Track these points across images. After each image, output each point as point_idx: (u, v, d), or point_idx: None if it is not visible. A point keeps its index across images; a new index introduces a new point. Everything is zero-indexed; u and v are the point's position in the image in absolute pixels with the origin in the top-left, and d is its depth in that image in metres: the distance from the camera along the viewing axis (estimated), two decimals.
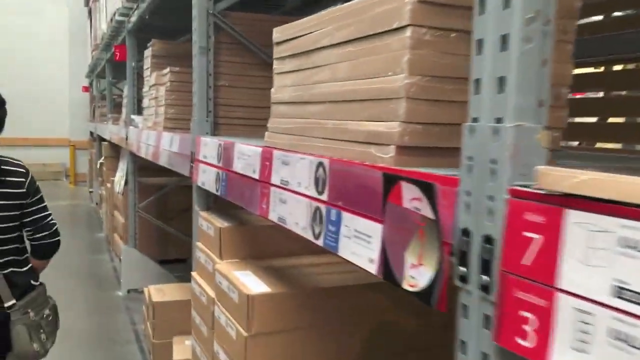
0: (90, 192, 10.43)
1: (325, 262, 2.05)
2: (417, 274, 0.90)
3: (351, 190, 1.13)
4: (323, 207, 1.26)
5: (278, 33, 1.57)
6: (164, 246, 5.30)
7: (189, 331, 3.15)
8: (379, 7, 1.09)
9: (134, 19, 4.40)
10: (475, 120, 0.81)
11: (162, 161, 3.14)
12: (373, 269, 1.04)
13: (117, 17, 4.93)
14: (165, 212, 5.22)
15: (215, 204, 2.52)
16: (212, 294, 2.07)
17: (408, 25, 1.00)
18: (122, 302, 4.76)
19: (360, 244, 1.09)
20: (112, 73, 7.09)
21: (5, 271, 2.18)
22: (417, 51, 1.00)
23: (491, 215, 0.76)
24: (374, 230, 1.04)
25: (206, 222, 2.29)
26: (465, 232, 0.81)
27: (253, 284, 1.80)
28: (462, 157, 0.83)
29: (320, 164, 1.27)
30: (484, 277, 0.77)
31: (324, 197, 1.25)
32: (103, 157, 7.52)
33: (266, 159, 1.60)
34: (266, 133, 1.66)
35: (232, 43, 2.53)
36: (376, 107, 1.09)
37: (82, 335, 4.06)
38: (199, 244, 2.36)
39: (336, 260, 2.20)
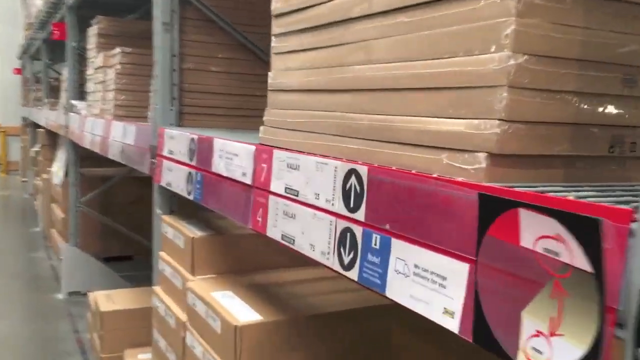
0: (24, 181, 9.74)
1: (319, 277, 1.75)
2: (548, 348, 0.61)
3: (408, 211, 0.83)
4: (357, 228, 0.95)
5: (280, 2, 1.24)
6: (107, 242, 4.85)
7: (143, 342, 2.80)
8: None
9: None
10: None
11: (112, 154, 2.75)
12: (454, 325, 0.74)
13: None
14: (110, 205, 4.78)
15: (179, 206, 2.17)
16: (182, 317, 1.74)
17: None
18: (63, 306, 4.32)
19: (427, 286, 0.79)
20: (48, 54, 6.52)
21: None
22: (525, 20, 0.71)
23: None
24: (455, 270, 0.75)
25: (172, 230, 1.94)
26: None
27: (238, 309, 1.48)
28: None
29: (352, 172, 0.97)
30: None
31: (359, 216, 0.95)
32: (39, 145, 6.95)
33: (262, 161, 1.28)
34: (262, 128, 1.33)
35: (200, 20, 2.18)
36: (453, 98, 0.79)
37: (17, 345, 3.63)
38: (162, 254, 2.02)
39: (332, 273, 1.90)
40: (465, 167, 0.76)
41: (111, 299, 3.22)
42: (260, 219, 1.29)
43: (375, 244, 0.91)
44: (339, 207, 1.00)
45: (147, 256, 2.34)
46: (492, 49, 0.73)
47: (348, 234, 0.98)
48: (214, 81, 2.19)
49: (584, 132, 0.78)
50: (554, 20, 0.72)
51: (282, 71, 1.26)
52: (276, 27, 1.27)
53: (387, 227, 0.88)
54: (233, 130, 2.12)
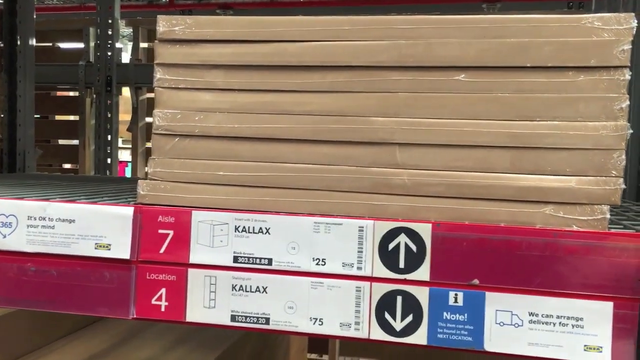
0: None
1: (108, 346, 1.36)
2: None
3: (512, 264, 0.87)
4: (419, 289, 0.90)
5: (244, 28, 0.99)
6: None
7: None
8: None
9: None
10: None
11: None
12: (603, 357, 0.84)
13: None
14: None
15: None
16: None
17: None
18: None
19: (555, 330, 0.86)
20: None
21: None
22: None
23: None
24: (593, 310, 0.84)
25: None
26: None
27: None
28: None
29: (399, 231, 0.91)
30: None
31: (418, 276, 0.90)
32: None
33: (159, 226, 0.98)
34: (142, 183, 1.01)
35: None
36: (553, 158, 0.88)
37: None
38: None
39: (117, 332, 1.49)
40: (584, 218, 0.87)
41: None
42: (164, 303, 0.98)
43: (457, 301, 0.89)
44: (374, 270, 0.91)
45: None
46: (603, 118, 0.87)
47: (399, 297, 0.90)
48: None
49: None
50: None
51: (191, 112, 1.00)
52: (175, 56, 1.00)
53: (475, 282, 0.88)
54: None
